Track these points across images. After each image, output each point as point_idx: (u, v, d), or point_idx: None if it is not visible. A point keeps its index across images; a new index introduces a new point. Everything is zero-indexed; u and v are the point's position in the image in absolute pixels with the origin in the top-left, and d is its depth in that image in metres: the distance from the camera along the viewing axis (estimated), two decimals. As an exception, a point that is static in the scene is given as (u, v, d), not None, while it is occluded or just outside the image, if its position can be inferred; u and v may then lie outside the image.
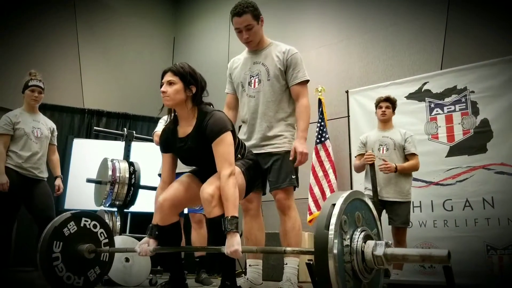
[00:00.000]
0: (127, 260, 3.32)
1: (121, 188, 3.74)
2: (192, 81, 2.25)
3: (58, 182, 3.89)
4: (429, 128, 4.61)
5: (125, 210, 4.04)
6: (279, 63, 2.66)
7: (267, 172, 2.61)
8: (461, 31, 4.78)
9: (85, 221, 2.57)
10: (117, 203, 3.89)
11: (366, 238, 1.55)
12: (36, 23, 5.91)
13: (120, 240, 3.32)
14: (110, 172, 3.78)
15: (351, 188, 4.91)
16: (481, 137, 4.29)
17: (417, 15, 5.10)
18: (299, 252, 2.01)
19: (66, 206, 5.31)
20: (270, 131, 2.64)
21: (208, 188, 2.10)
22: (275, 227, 2.65)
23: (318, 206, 4.87)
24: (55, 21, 6.16)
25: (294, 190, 2.64)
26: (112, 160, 3.89)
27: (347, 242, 1.50)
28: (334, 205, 1.49)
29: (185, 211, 3.74)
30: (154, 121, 6.47)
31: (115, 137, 5.20)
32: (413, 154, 3.80)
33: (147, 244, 2.22)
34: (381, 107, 3.90)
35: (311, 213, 4.90)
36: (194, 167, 2.46)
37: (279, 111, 2.67)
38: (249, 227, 2.69)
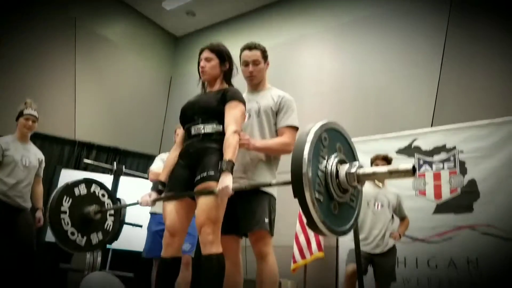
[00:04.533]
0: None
1: (105, 223, 3.68)
2: (226, 58, 2.54)
3: (39, 214, 3.84)
4: (417, 184, 4.65)
5: (107, 245, 3.96)
6: (272, 104, 2.67)
7: (242, 211, 2.50)
8: (453, 90, 4.92)
9: (95, 187, 2.75)
10: (100, 238, 3.81)
11: (342, 162, 1.69)
12: (35, 52, 5.98)
13: (99, 277, 3.24)
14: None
15: (337, 241, 4.87)
16: (468, 196, 4.32)
17: (411, 69, 5.26)
18: (283, 183, 1.97)
19: (48, 238, 5.19)
20: (251, 165, 2.56)
21: (208, 229, 2.16)
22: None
23: (302, 255, 4.81)
24: (54, 51, 6.24)
25: (271, 235, 2.51)
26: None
27: (323, 163, 1.62)
28: (313, 126, 1.64)
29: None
30: (145, 157, 6.48)
31: (103, 171, 5.18)
32: (405, 217, 4.01)
33: (149, 196, 2.38)
34: (377, 165, 3.96)
35: (295, 262, 4.83)
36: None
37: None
38: (228, 273, 2.59)
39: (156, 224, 3.70)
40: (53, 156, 5.87)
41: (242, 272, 2.66)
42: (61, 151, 6.05)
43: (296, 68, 6.23)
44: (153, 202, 2.37)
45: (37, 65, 5.98)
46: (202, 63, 2.52)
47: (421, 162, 4.71)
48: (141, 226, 3.98)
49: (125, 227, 3.99)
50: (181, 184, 2.34)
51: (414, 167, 1.53)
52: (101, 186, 2.80)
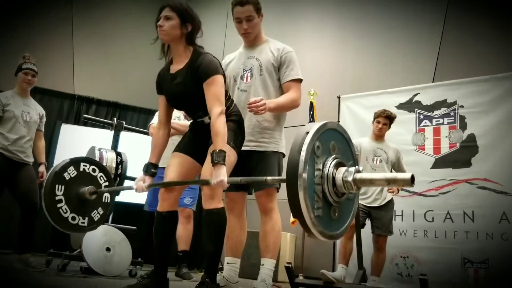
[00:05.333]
0: (108, 249, 3.33)
1: (107, 177, 3.72)
2: (189, 18, 2.27)
3: (42, 169, 3.86)
4: (416, 139, 4.67)
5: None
6: (273, 59, 2.64)
7: (252, 171, 2.57)
8: (456, 45, 4.85)
9: (84, 165, 2.63)
10: (102, 192, 3.87)
11: (339, 165, 1.62)
12: (32, 8, 5.86)
13: (102, 230, 3.31)
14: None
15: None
16: (467, 151, 4.36)
17: (413, 25, 5.17)
18: (279, 180, 2.00)
19: (50, 192, 5.27)
20: (259, 127, 2.60)
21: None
22: (257, 226, 2.67)
23: (302, 208, 4.90)
24: (50, 6, 6.11)
25: (278, 191, 2.62)
26: (99, 149, 3.87)
27: (319, 167, 1.56)
28: (307, 132, 1.55)
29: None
30: (145, 112, 6.46)
31: (103, 126, 5.18)
32: (404, 172, 3.99)
33: (143, 181, 2.31)
34: (379, 122, 3.95)
35: (294, 215, 4.92)
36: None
37: None
38: (232, 226, 2.67)
39: (157, 178, 3.74)
40: (53, 111, 5.87)
41: (246, 225, 2.75)
42: (61, 106, 6.05)
43: (297, 22, 6.10)
44: (148, 188, 2.33)
45: (34, 19, 5.89)
46: (160, 22, 2.25)
47: (422, 116, 4.71)
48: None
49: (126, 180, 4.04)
50: (193, 151, 2.36)
51: (412, 177, 1.47)
52: (90, 162, 2.70)
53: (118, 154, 3.90)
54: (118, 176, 3.79)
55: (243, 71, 2.70)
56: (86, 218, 2.59)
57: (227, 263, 2.67)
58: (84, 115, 5.04)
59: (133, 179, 4.02)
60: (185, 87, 2.28)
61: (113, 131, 4.13)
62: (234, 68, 2.75)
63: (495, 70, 4.41)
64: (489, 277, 3.97)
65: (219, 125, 2.14)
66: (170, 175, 2.31)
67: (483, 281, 3.97)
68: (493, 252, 4.00)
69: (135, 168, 4.06)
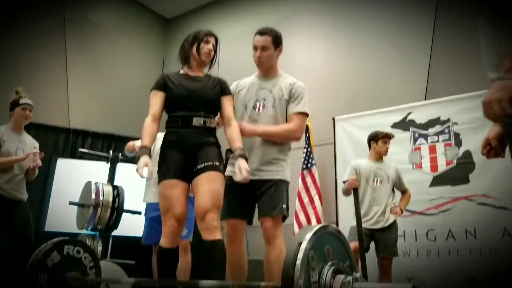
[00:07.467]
0: (107, 286, 3.27)
1: (104, 212, 3.69)
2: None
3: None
4: (413, 158, 4.67)
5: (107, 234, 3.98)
6: (285, 93, 2.73)
7: (258, 198, 2.61)
8: (446, 61, 4.90)
9: (67, 248, 2.54)
10: (99, 227, 3.83)
11: (335, 273, 1.54)
12: (24, 39, 5.88)
13: (103, 266, 3.25)
14: (93, 196, 3.73)
15: (337, 215, 4.92)
16: (464, 168, 4.35)
17: (402, 42, 5.22)
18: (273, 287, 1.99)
19: (47, 228, 5.21)
20: (269, 156, 2.65)
21: (214, 215, 2.22)
22: (259, 254, 2.66)
23: (302, 233, 4.85)
24: (44, 38, 6.15)
25: (284, 220, 2.62)
26: (95, 184, 3.85)
27: (315, 279, 1.49)
28: (300, 243, 1.49)
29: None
30: (140, 142, 6.44)
31: (99, 159, 5.15)
32: (406, 190, 4.04)
33: (145, 164, 2.25)
34: (385, 142, 3.99)
35: (295, 240, 4.87)
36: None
37: None
38: (234, 255, 2.67)
39: (152, 211, 3.72)
40: (48, 146, 5.82)
41: (245, 254, 2.75)
42: (56, 140, 6.02)
43: (288, 46, 6.15)
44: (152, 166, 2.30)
45: (26, 53, 5.89)
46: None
47: (416, 135, 4.72)
48: (140, 213, 3.99)
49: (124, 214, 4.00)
50: (182, 172, 2.35)
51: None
52: (74, 243, 2.59)
53: (115, 188, 3.89)
54: (115, 210, 3.76)
55: (256, 101, 2.76)
56: None
57: None
58: (80, 149, 5.02)
59: (130, 212, 4.00)
60: (206, 87, 2.53)
61: (109, 164, 4.12)
62: (246, 97, 2.79)
63: (486, 85, 4.42)
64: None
65: (236, 128, 2.50)
66: (179, 210, 2.29)
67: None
68: (498, 268, 3.95)
69: (132, 200, 4.04)
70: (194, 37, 2.62)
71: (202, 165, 2.31)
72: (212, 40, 2.61)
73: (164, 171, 2.36)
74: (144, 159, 2.27)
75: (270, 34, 2.75)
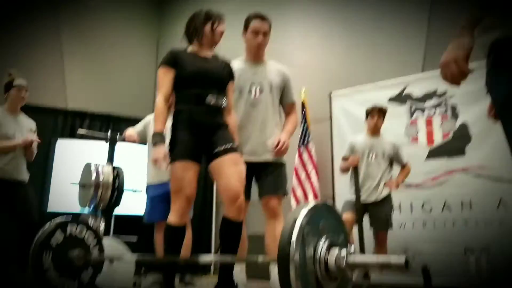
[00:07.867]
0: (111, 261, 3.33)
1: (104, 192, 3.73)
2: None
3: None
4: (409, 131, 4.70)
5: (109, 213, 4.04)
6: (280, 80, 2.86)
7: (259, 178, 2.77)
8: (443, 33, 4.84)
9: (71, 228, 2.59)
10: (101, 206, 3.88)
11: (330, 246, 1.58)
12: (19, 22, 5.84)
13: (106, 243, 3.32)
14: (93, 177, 3.76)
15: (333, 190, 4.98)
16: (460, 140, 4.38)
17: (399, 16, 5.18)
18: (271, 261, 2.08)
19: (49, 209, 5.27)
20: (270, 139, 2.78)
21: (243, 196, 2.33)
22: (258, 228, 2.78)
23: (301, 208, 4.92)
24: (37, 18, 6.10)
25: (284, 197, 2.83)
26: (95, 165, 3.87)
27: (310, 253, 1.53)
28: (296, 220, 1.52)
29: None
30: (138, 121, 6.44)
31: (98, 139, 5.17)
32: (405, 164, 4.07)
33: (163, 155, 2.29)
34: (373, 117, 3.99)
35: (294, 215, 4.94)
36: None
37: (276, 122, 2.88)
38: None
39: (153, 190, 3.78)
40: (47, 128, 5.83)
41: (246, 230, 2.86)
42: (55, 121, 6.03)
43: (285, 20, 6.11)
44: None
45: (21, 35, 5.85)
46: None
47: (413, 108, 4.73)
48: (140, 191, 4.05)
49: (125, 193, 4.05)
50: (195, 153, 2.39)
51: (406, 261, 1.45)
52: (77, 222, 2.65)
53: (115, 168, 3.92)
54: (115, 190, 3.80)
55: (251, 86, 2.81)
56: (76, 280, 2.57)
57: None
58: (79, 130, 5.03)
59: (131, 191, 4.06)
60: (219, 68, 2.53)
61: (108, 144, 4.13)
62: (240, 82, 2.80)
63: (483, 56, 4.41)
64: (491, 264, 3.99)
65: (236, 124, 2.61)
66: (190, 191, 2.34)
67: (485, 268, 4.00)
68: (493, 239, 4.03)
69: (132, 178, 4.09)
70: (207, 15, 2.53)
71: (223, 147, 2.36)
72: (224, 22, 2.61)
73: (177, 152, 2.36)
74: (161, 149, 2.29)
75: (268, 20, 2.83)
